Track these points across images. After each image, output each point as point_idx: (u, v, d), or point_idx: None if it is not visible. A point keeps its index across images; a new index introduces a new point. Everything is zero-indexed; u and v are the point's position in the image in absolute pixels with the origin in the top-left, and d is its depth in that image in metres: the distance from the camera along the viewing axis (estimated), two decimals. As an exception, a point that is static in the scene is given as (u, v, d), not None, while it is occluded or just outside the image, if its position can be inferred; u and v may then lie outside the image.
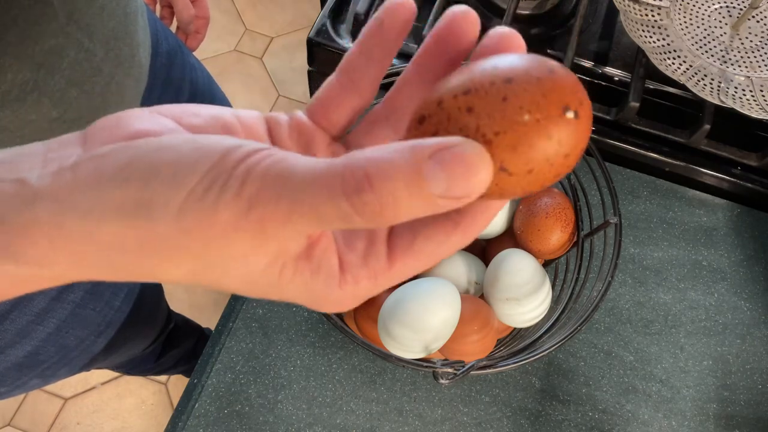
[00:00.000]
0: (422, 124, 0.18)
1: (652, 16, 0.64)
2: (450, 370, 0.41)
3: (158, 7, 0.68)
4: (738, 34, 0.64)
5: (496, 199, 0.18)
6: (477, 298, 0.48)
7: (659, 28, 0.63)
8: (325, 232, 0.20)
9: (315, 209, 0.16)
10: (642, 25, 0.63)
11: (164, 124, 0.19)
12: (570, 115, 0.17)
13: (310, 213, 0.16)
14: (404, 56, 0.67)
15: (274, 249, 0.18)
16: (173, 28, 0.67)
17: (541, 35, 0.71)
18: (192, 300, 1.36)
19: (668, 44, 0.62)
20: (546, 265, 0.53)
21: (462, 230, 0.20)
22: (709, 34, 0.63)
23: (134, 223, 0.17)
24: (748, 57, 0.62)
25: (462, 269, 0.49)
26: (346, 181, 0.16)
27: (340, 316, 0.51)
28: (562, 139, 0.17)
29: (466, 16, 0.20)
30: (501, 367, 0.42)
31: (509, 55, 0.18)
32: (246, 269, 0.18)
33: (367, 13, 0.67)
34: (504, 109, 0.17)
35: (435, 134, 0.18)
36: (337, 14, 0.70)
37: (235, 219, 0.17)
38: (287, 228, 0.17)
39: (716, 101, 0.57)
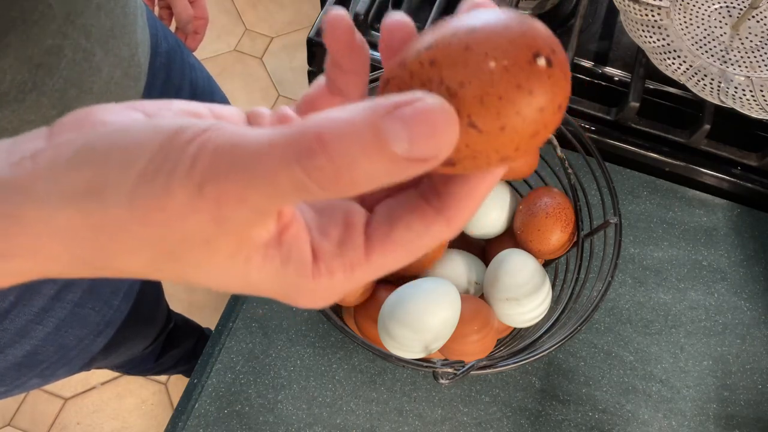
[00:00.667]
0: (387, 87, 0.17)
1: (652, 16, 0.64)
2: (450, 370, 0.41)
3: (156, 7, 0.68)
4: (738, 34, 0.64)
5: (470, 168, 0.17)
6: (477, 298, 0.48)
7: (659, 28, 0.63)
8: (296, 217, 0.19)
9: (269, 179, 0.15)
10: (642, 25, 0.63)
11: (133, 116, 0.18)
12: (541, 62, 0.15)
13: (265, 184, 0.15)
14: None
15: (235, 234, 0.17)
16: (172, 28, 0.67)
17: (541, 35, 0.71)
18: (192, 300, 1.36)
19: (668, 44, 0.62)
20: (546, 265, 0.53)
21: (445, 219, 0.18)
22: (709, 34, 0.63)
23: (87, 207, 0.16)
24: (748, 57, 0.62)
25: (462, 269, 0.49)
26: (299, 145, 0.15)
27: (339, 315, 0.51)
28: (534, 88, 0.15)
29: (398, 25, 0.19)
30: (501, 367, 0.42)
31: (479, 11, 0.17)
32: (209, 257, 0.17)
33: (367, 13, 0.67)
34: (467, 57, 0.15)
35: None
36: (337, 14, 0.70)
37: (190, 199, 0.16)
38: (244, 206, 0.16)
39: (716, 101, 0.57)
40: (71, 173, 0.16)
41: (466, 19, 0.16)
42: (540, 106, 0.15)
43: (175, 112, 0.19)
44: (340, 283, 0.19)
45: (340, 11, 0.19)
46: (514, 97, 0.15)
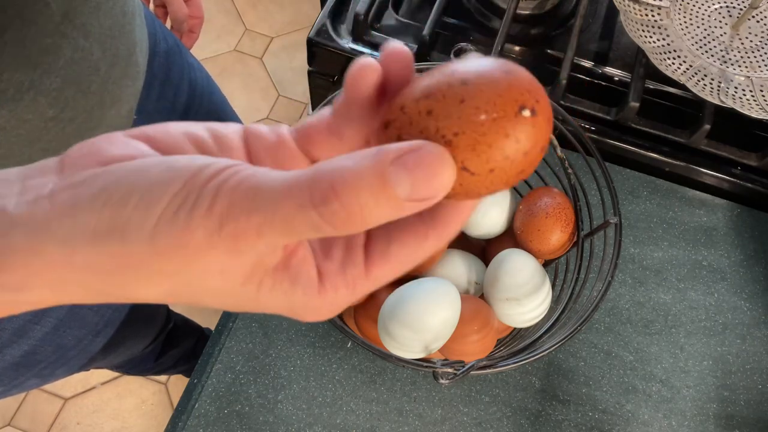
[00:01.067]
0: (387, 129, 0.19)
1: (652, 16, 0.64)
2: (450, 370, 0.41)
3: (152, 6, 0.68)
4: (738, 34, 0.64)
5: (463, 199, 0.19)
6: (477, 298, 0.48)
7: (659, 28, 0.63)
8: (302, 242, 0.20)
9: (286, 222, 0.17)
10: (642, 25, 0.63)
11: (138, 148, 0.19)
12: (526, 113, 0.17)
13: (281, 226, 0.17)
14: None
15: (249, 262, 0.18)
16: (167, 26, 0.67)
17: (541, 35, 0.71)
18: (192, 300, 1.36)
19: (668, 44, 0.62)
20: (546, 265, 0.53)
21: (436, 234, 0.20)
22: (709, 34, 0.63)
23: (109, 247, 0.17)
24: (748, 57, 0.62)
25: (462, 269, 0.49)
26: (314, 192, 0.16)
27: (339, 316, 0.51)
28: (519, 137, 0.17)
29: (397, 54, 0.20)
30: (501, 367, 0.42)
31: (471, 59, 0.19)
32: (223, 285, 0.18)
33: (367, 13, 0.67)
34: (461, 110, 0.17)
35: (399, 138, 0.18)
36: (337, 14, 0.70)
37: (208, 236, 0.17)
38: (260, 241, 0.17)
39: (716, 101, 0.57)
40: (92, 214, 0.17)
41: (460, 69, 0.18)
42: (525, 151, 0.17)
43: (177, 139, 0.20)
44: (343, 297, 0.20)
45: (371, 61, 0.19)
46: (502, 144, 0.17)
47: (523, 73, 0.18)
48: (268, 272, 0.19)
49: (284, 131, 0.22)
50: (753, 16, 0.65)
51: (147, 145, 0.20)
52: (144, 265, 0.18)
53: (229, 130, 0.21)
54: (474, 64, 0.18)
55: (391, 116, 0.19)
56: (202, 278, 0.18)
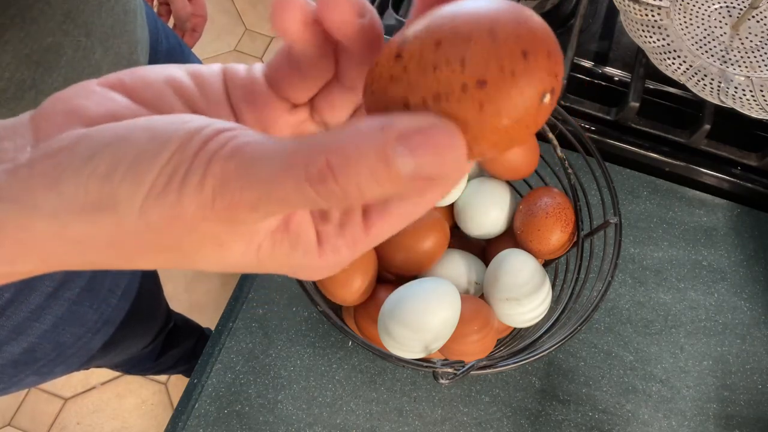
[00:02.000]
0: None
1: (652, 16, 0.64)
2: (450, 370, 0.41)
3: (155, 4, 0.68)
4: (738, 34, 0.64)
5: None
6: (477, 298, 0.48)
7: (659, 28, 0.63)
8: None
9: (282, 196, 0.16)
10: (642, 25, 0.63)
11: (117, 101, 0.18)
12: (546, 100, 0.16)
13: (277, 200, 0.16)
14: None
15: (247, 231, 0.18)
16: (170, 25, 0.67)
17: (541, 35, 0.71)
18: (192, 300, 1.36)
19: (668, 44, 0.62)
20: (546, 265, 0.53)
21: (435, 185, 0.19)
22: (709, 34, 0.63)
23: (100, 221, 0.17)
24: (748, 57, 0.62)
25: (462, 269, 0.49)
26: (309, 169, 0.15)
27: (339, 315, 0.51)
28: (539, 123, 0.16)
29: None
30: (501, 367, 0.42)
31: (475, 17, 0.16)
32: (222, 254, 0.18)
33: (367, 13, 0.67)
34: (482, 117, 0.16)
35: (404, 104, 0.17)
36: (337, 14, 0.70)
37: (201, 209, 0.16)
38: (254, 214, 0.16)
39: (716, 101, 0.57)
40: (78, 187, 0.16)
41: (470, 55, 0.15)
42: (539, 128, 0.17)
43: (157, 91, 0.19)
44: (344, 257, 0.20)
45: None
46: (524, 137, 0.16)
47: (540, 49, 0.16)
48: (267, 235, 0.18)
49: (257, 72, 0.21)
50: (753, 16, 0.65)
51: (126, 97, 0.19)
52: (137, 240, 0.17)
53: (210, 72, 0.20)
54: (484, 36, 0.15)
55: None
56: (198, 249, 0.18)
